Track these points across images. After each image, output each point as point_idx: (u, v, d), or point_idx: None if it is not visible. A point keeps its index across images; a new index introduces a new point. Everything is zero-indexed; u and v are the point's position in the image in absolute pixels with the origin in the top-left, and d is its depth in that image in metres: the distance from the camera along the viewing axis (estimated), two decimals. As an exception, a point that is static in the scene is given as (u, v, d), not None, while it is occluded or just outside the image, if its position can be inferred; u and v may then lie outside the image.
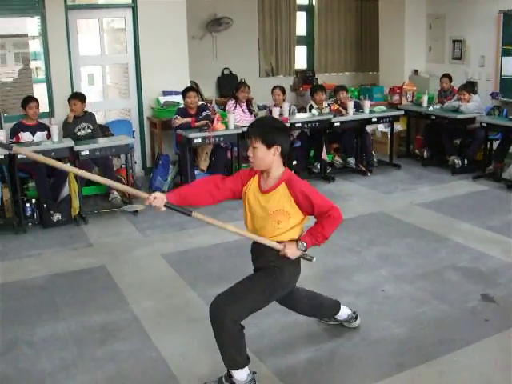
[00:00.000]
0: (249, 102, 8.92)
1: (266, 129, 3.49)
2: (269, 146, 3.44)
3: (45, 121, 7.68)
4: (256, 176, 3.60)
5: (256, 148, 3.44)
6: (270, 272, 3.66)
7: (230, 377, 3.67)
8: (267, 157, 3.46)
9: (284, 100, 8.84)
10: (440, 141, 9.34)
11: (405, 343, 4.23)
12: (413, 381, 3.81)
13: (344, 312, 4.36)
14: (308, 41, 13.15)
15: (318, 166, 8.88)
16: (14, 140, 7.24)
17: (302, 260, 3.71)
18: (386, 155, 9.64)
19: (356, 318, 4.42)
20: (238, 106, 8.57)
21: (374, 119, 9.11)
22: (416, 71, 11.59)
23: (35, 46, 9.08)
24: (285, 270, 3.67)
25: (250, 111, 8.76)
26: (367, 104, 9.07)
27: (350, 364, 4.01)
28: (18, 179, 6.86)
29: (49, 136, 7.37)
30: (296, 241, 3.60)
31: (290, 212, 3.54)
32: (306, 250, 3.62)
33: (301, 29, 12.96)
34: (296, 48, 12.73)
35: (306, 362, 4.03)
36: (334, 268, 5.56)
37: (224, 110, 8.95)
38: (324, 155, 8.65)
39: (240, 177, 3.67)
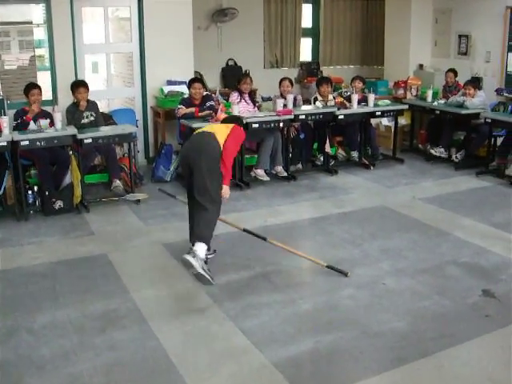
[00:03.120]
0: (252, 94, 8.87)
1: None
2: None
3: (48, 109, 7.66)
4: None
5: None
6: None
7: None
8: None
9: (291, 92, 8.82)
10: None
11: (405, 337, 4.22)
12: (412, 375, 3.81)
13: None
14: (313, 33, 13.14)
15: (322, 158, 8.86)
16: (20, 121, 7.21)
17: None
18: (389, 149, 9.62)
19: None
20: (241, 97, 8.54)
21: (378, 113, 9.09)
22: (421, 66, 11.57)
23: (40, 33, 9.06)
24: None
25: (254, 102, 8.73)
26: (372, 97, 9.04)
27: (350, 357, 4.00)
28: (20, 166, 6.84)
29: (51, 124, 7.34)
30: None
31: None
32: None
33: (306, 21, 12.96)
34: (301, 40, 12.72)
35: (306, 353, 4.03)
36: (335, 260, 5.54)
37: (228, 100, 8.92)
38: (327, 148, 8.63)
39: None
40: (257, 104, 8.85)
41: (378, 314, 4.55)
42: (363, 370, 3.85)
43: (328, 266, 3.86)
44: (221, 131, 5.36)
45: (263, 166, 8.12)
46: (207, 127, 5.65)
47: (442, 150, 9.20)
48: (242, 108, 8.26)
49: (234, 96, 8.54)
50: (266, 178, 8.07)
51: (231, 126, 5.48)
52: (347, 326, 4.38)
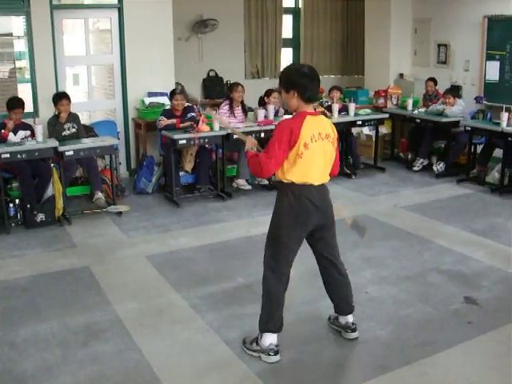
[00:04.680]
0: (243, 103, 8.80)
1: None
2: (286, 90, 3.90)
3: (29, 121, 7.63)
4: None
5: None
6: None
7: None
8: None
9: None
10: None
11: (388, 345, 4.24)
12: (396, 382, 3.82)
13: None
14: (294, 43, 13.17)
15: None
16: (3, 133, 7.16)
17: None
18: (370, 158, 9.67)
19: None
20: (231, 110, 8.51)
21: (359, 122, 9.14)
22: (401, 75, 11.63)
23: (20, 45, 9.03)
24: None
25: (245, 113, 8.71)
26: (352, 107, 9.09)
27: (334, 366, 4.01)
28: (1, 179, 6.80)
29: (32, 136, 7.31)
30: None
31: None
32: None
33: (287, 31, 12.99)
34: (282, 50, 12.75)
35: (289, 363, 4.03)
36: (317, 270, 5.54)
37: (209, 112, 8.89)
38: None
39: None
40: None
41: (361, 322, 4.55)
42: (347, 379, 3.87)
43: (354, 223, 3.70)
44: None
45: (243, 175, 8.13)
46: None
47: (421, 160, 9.25)
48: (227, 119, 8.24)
49: (223, 107, 8.53)
50: (248, 187, 8.08)
51: None
52: (330, 335, 4.39)
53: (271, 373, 3.91)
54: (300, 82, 3.80)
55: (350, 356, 4.11)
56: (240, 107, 8.63)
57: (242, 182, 8.09)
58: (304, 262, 5.79)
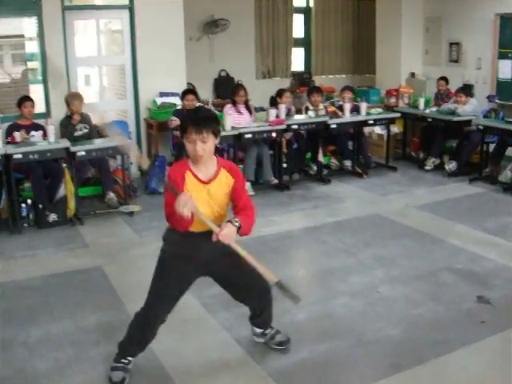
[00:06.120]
0: (248, 103, 8.81)
1: (214, 119, 3.50)
2: (216, 135, 3.45)
3: (41, 121, 7.67)
4: (188, 171, 3.50)
5: (206, 142, 3.38)
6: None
7: None
8: (213, 146, 3.47)
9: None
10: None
11: (400, 344, 4.22)
12: (408, 382, 3.80)
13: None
14: (305, 43, 13.18)
15: (315, 167, 8.88)
16: (10, 140, 7.24)
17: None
18: (382, 157, 9.64)
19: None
20: (236, 108, 8.53)
21: (371, 121, 9.12)
22: (413, 74, 11.60)
23: (32, 46, 9.07)
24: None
25: (250, 111, 8.71)
26: (364, 106, 9.07)
27: (345, 365, 3.99)
28: (13, 180, 6.84)
29: (45, 136, 7.36)
30: (228, 221, 3.48)
31: (228, 197, 3.60)
32: (239, 229, 3.46)
33: (298, 31, 12.98)
34: (293, 50, 12.75)
35: (301, 362, 4.02)
36: (329, 269, 5.55)
37: (221, 111, 8.92)
38: (320, 157, 8.65)
39: (176, 182, 3.46)
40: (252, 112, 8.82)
41: (373, 321, 4.55)
42: (358, 379, 3.84)
43: (278, 284, 3.48)
44: None
45: (248, 176, 8.10)
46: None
47: (433, 159, 9.22)
48: (236, 119, 8.27)
49: (227, 107, 8.55)
50: (251, 193, 7.86)
51: None
52: (342, 335, 4.37)
53: (283, 372, 3.89)
54: None
55: (361, 355, 4.09)
56: (244, 105, 8.63)
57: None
58: (315, 262, 5.81)
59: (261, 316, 4.08)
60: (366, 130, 9.63)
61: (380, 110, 9.58)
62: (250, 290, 3.86)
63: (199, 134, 3.34)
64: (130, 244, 6.42)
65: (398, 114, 9.61)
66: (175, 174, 3.49)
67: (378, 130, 10.37)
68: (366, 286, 5.19)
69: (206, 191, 3.51)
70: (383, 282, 5.30)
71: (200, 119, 3.41)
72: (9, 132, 7.37)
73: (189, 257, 3.65)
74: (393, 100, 10.84)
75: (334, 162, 9.33)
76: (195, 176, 3.49)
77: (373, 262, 5.77)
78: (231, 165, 3.68)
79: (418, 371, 3.89)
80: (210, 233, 3.39)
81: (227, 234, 3.37)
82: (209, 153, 3.44)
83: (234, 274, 3.79)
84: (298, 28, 12.99)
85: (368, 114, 9.12)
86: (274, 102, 9.08)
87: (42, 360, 4.11)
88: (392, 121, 9.48)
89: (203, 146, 3.36)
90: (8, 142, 7.16)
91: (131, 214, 7.30)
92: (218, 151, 8.08)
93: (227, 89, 10.89)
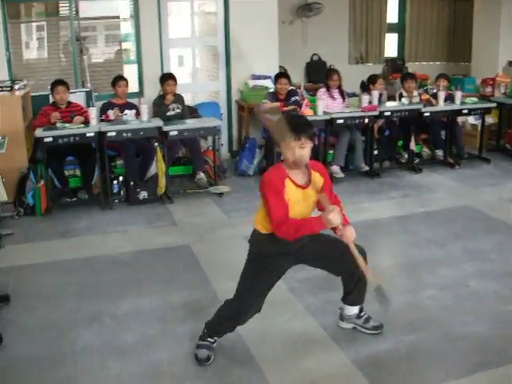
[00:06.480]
0: (341, 88, 8.71)
1: (310, 125, 3.58)
2: (312, 140, 3.55)
3: (134, 101, 7.80)
4: (287, 178, 3.52)
5: (305, 147, 3.45)
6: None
7: None
8: (309, 152, 3.53)
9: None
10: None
11: (488, 342, 4.03)
12: (494, 381, 3.63)
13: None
14: (399, 28, 12.93)
15: (406, 155, 8.72)
16: (103, 118, 7.40)
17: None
18: (475, 148, 9.36)
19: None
20: (329, 92, 8.44)
21: (465, 111, 8.87)
22: (510, 62, 11.22)
23: (126, 27, 9.23)
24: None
25: (343, 96, 8.61)
26: (458, 95, 8.84)
27: (430, 359, 3.87)
28: (106, 157, 6.99)
29: (137, 115, 7.49)
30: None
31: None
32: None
33: (392, 16, 12.75)
34: (386, 36, 12.54)
35: (386, 352, 3.93)
36: (417, 260, 5.43)
37: (313, 96, 8.85)
38: (412, 145, 8.49)
39: (278, 189, 3.49)
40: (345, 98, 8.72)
41: (461, 316, 4.39)
42: (444, 374, 3.70)
43: (377, 288, 3.53)
44: None
45: (338, 162, 8.03)
46: None
47: None
48: (329, 104, 8.20)
49: (321, 92, 8.47)
50: (341, 175, 7.91)
51: None
52: (428, 327, 4.24)
53: (367, 361, 3.81)
54: None
55: (447, 350, 3.95)
56: (337, 90, 8.52)
57: (335, 170, 7.97)
58: (403, 251, 5.72)
59: (354, 290, 4.02)
60: (460, 119, 9.39)
61: (475, 99, 9.28)
62: (343, 261, 3.80)
63: (298, 141, 3.40)
64: (219, 224, 6.45)
65: (494, 104, 9.28)
66: (276, 180, 3.51)
67: (471, 119, 10.08)
68: (455, 280, 5.04)
69: (302, 195, 3.55)
70: (473, 276, 5.11)
71: (299, 126, 3.48)
72: (103, 110, 7.55)
73: (283, 253, 3.69)
74: (488, 89, 10.51)
75: (425, 150, 9.13)
76: (293, 182, 3.52)
77: (463, 255, 5.59)
78: (317, 164, 3.76)
79: (506, 371, 3.71)
80: None
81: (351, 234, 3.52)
82: (307, 158, 3.50)
83: (325, 253, 3.83)
84: (392, 13, 12.75)
85: (462, 103, 8.86)
86: (365, 88, 8.95)
87: (129, 333, 4.17)
88: (487, 111, 9.16)
89: (301, 151, 3.43)
90: (102, 120, 7.34)
91: (220, 194, 7.34)
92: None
93: (319, 73, 10.82)
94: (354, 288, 3.99)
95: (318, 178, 3.63)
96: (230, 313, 3.84)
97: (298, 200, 3.53)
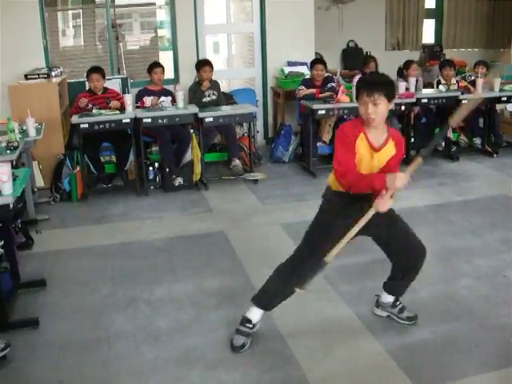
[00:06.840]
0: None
1: (388, 83, 3.55)
2: (390, 99, 3.48)
3: (170, 87, 7.82)
4: (362, 133, 3.52)
5: (378, 104, 3.41)
6: None
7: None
8: (386, 111, 3.49)
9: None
10: None
11: (525, 334, 4.00)
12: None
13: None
14: (437, 14, 12.73)
15: (443, 143, 8.61)
16: (139, 104, 7.43)
17: None
18: (514, 136, 9.24)
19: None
20: None
21: (504, 98, 8.73)
22: (552, 48, 11.04)
23: (161, 15, 9.24)
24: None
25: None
26: (497, 82, 8.69)
27: (466, 350, 3.80)
28: (142, 143, 7.02)
29: (173, 102, 7.50)
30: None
31: None
32: None
33: (430, 1, 12.57)
34: (424, 22, 12.37)
35: (421, 342, 3.88)
36: (454, 249, 5.36)
37: (349, 82, 8.79)
38: (449, 133, 8.39)
39: (350, 139, 3.51)
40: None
41: (497, 307, 4.31)
42: (479, 364, 3.64)
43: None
44: None
45: None
46: None
47: None
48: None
49: (357, 78, 8.40)
50: None
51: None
52: (464, 317, 4.18)
53: (402, 351, 3.77)
54: None
55: (483, 341, 3.88)
56: None
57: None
58: (440, 240, 5.65)
59: (400, 280, 4.01)
60: (498, 107, 9.25)
61: (515, 86, 9.15)
62: (405, 246, 3.83)
63: (370, 97, 3.40)
64: (254, 211, 6.44)
65: (534, 91, 9.15)
66: (350, 131, 3.53)
67: (510, 107, 9.94)
68: (492, 270, 4.96)
69: (372, 157, 3.54)
70: (510, 266, 5.01)
71: (372, 82, 3.54)
72: (139, 97, 7.57)
73: (350, 217, 3.64)
74: (529, 76, 10.35)
75: (463, 138, 9.01)
76: (368, 140, 3.53)
77: (500, 244, 5.49)
78: (400, 137, 3.70)
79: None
80: (369, 196, 3.53)
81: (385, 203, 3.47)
82: (381, 116, 3.47)
83: (390, 231, 3.83)
84: (430, -2, 12.59)
85: (501, 90, 8.72)
86: (401, 75, 8.86)
87: (163, 318, 4.19)
88: (527, 98, 9.03)
89: (374, 108, 3.41)
90: (138, 107, 7.36)
91: (256, 181, 7.33)
92: (343, 121, 8.02)
93: (355, 60, 10.73)
94: (402, 278, 3.98)
95: (390, 147, 3.59)
96: (284, 269, 3.90)
97: (367, 158, 3.53)
